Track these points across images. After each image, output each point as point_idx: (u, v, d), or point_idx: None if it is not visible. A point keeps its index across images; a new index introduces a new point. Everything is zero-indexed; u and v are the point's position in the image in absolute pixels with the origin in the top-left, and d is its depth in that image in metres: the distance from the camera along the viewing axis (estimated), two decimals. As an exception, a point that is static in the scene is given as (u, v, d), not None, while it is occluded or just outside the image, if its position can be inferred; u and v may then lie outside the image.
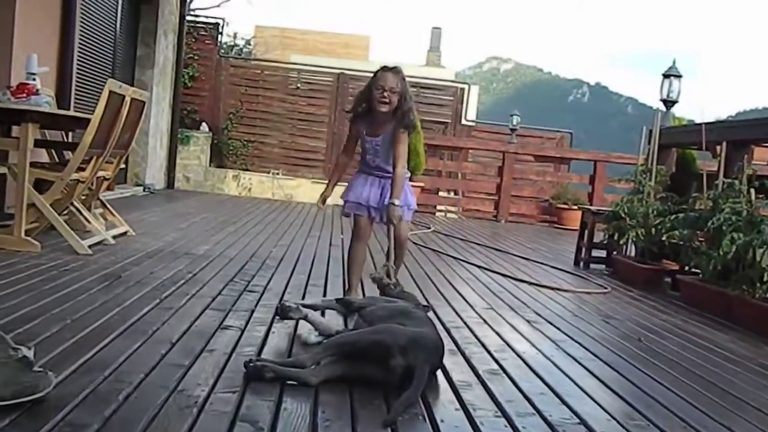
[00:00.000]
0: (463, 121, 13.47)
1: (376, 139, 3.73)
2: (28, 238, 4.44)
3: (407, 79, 3.70)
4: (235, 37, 15.46)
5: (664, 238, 5.76)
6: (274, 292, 3.99)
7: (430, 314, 3.32)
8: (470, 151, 13.18)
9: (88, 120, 4.48)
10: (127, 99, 4.80)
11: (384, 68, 3.68)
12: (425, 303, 3.54)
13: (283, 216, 8.81)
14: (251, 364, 2.40)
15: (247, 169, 12.55)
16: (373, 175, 3.84)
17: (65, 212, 5.05)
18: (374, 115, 3.70)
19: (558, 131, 14.56)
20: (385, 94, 3.60)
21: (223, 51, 13.37)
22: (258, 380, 2.36)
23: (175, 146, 11.56)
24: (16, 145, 4.39)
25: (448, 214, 12.42)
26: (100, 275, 3.90)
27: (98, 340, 2.65)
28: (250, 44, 16.83)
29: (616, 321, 4.25)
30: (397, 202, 3.65)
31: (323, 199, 4.06)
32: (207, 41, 12.62)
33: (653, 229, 5.91)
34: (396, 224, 3.70)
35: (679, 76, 9.08)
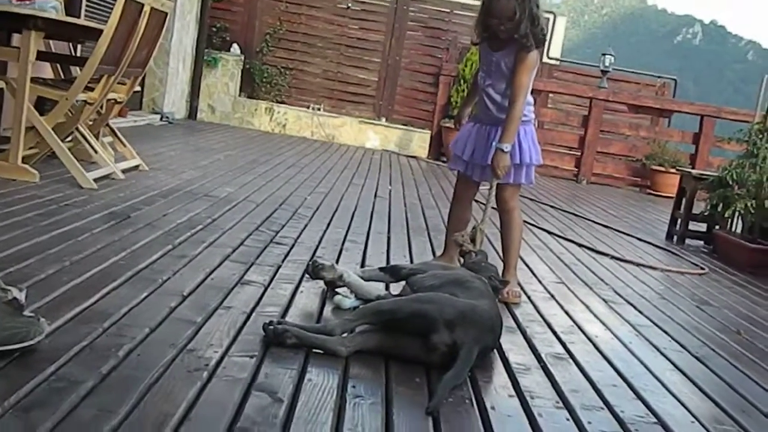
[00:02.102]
0: (545, 59, 13.24)
1: (495, 54, 3.59)
2: (26, 165, 4.55)
3: None
4: (277, -58, 15.37)
5: (779, 213, 5.65)
6: (305, 246, 4.04)
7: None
8: (550, 94, 12.98)
9: (100, 31, 4.54)
10: (146, 9, 4.84)
11: None
12: (503, 278, 3.50)
13: (321, 159, 8.86)
14: (271, 327, 2.45)
15: (283, 102, 12.59)
16: (481, 119, 3.73)
17: (69, 138, 5.16)
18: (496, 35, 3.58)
19: (660, 77, 14.24)
20: (502, 28, 3.47)
21: (262, -42, 13.31)
22: (279, 345, 2.40)
23: (200, 70, 11.63)
24: (16, 56, 4.48)
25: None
26: (106, 213, 3.99)
27: (99, 286, 2.73)
28: (294, -48, 16.73)
29: (711, 308, 4.20)
30: (505, 147, 3.51)
31: (457, 119, 4.02)
32: (244, -55, 12.59)
33: (767, 202, 5.79)
34: (500, 176, 3.56)
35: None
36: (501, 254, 3.88)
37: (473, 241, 3.54)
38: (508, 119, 3.52)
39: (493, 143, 3.58)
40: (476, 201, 4.07)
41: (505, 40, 3.53)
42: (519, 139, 3.61)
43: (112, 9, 4.56)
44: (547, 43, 13.17)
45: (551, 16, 13.45)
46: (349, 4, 12.82)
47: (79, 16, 7.04)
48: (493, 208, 3.71)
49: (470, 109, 3.96)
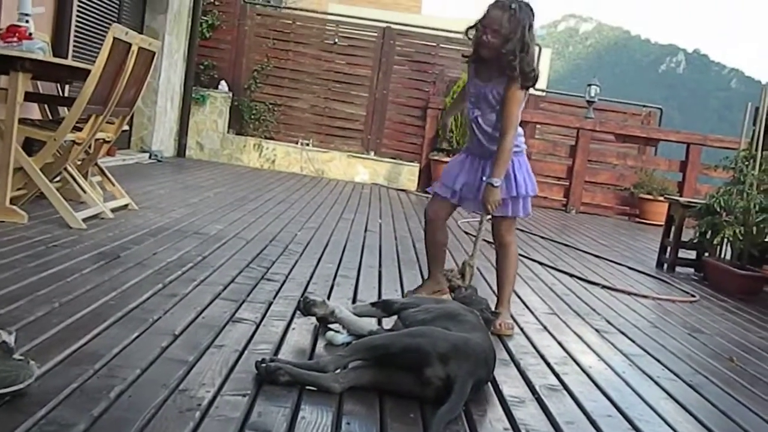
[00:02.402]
0: (531, 90, 13.32)
1: (482, 85, 3.59)
2: (14, 206, 4.53)
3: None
4: (263, -20, 15.53)
5: (767, 239, 5.66)
6: (296, 282, 4.03)
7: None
8: (538, 125, 13.05)
9: (88, 71, 4.55)
10: (134, 48, 4.85)
11: (492, 4, 3.51)
12: (494, 310, 3.50)
13: (311, 194, 8.86)
14: (263, 365, 2.43)
15: (272, 138, 12.62)
16: (472, 151, 3.71)
17: (57, 179, 5.15)
18: (484, 60, 3.59)
19: (645, 106, 14.35)
20: (484, 38, 3.47)
21: (248, -4, 13.42)
22: (272, 383, 2.39)
23: (189, 107, 11.68)
24: (4, 97, 4.48)
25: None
26: (95, 253, 3.97)
27: (90, 327, 2.71)
28: (280, -11, 16.88)
29: (703, 336, 4.20)
30: (495, 181, 3.48)
31: (443, 126, 4.00)
32: (230, -16, 12.67)
33: (755, 228, 5.82)
34: (491, 211, 3.55)
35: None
36: (494, 287, 3.85)
37: (462, 276, 3.53)
38: (499, 153, 3.51)
39: (484, 178, 3.58)
40: (468, 233, 4.07)
41: (493, 63, 3.53)
42: (513, 171, 3.60)
43: (99, 49, 4.58)
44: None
45: (537, 49, 13.55)
46: (336, 40, 12.90)
47: (66, 57, 7.08)
48: (486, 241, 3.70)
49: (453, 116, 3.96)
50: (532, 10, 3.53)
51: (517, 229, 7.80)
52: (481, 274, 4.69)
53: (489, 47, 3.49)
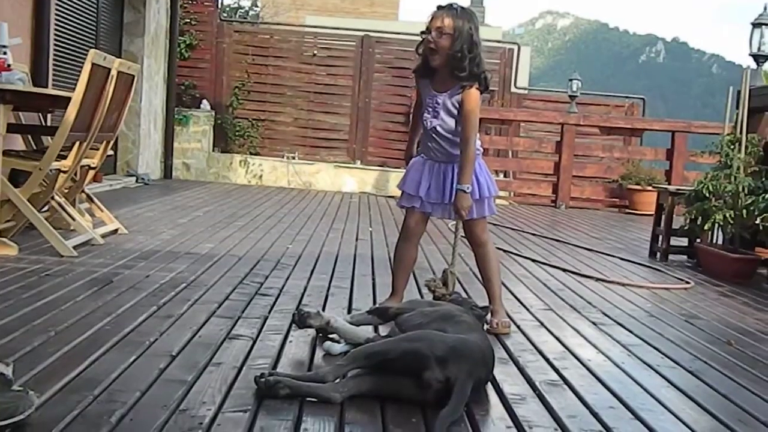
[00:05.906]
0: (513, 89, 13.40)
1: (440, 94, 3.58)
2: (4, 239, 4.53)
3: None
4: (239, -3, 15.59)
5: (758, 222, 5.68)
6: (290, 295, 4.03)
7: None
8: (522, 123, 13.11)
9: (69, 99, 4.55)
10: (113, 72, 4.86)
11: (437, 7, 3.55)
12: (483, 306, 3.51)
13: (300, 207, 8.87)
14: (263, 380, 2.43)
15: (257, 153, 12.64)
16: (432, 157, 3.69)
17: (45, 208, 5.14)
18: (436, 70, 3.59)
19: (628, 97, 14.44)
20: (430, 38, 3.48)
21: (225, 14, 13.48)
22: (272, 397, 2.39)
23: (172, 129, 11.69)
24: (-13, 130, 4.48)
25: (498, 200, 12.39)
26: (88, 280, 3.97)
27: (87, 354, 2.71)
28: (256, 6, 16.95)
29: (700, 321, 4.21)
30: (467, 187, 3.50)
31: (408, 158, 3.99)
32: (206, 3, 12.70)
33: (745, 211, 5.83)
34: (464, 217, 3.56)
35: (773, 26, 8.94)
36: (484, 288, 3.83)
37: (445, 284, 3.55)
38: (464, 160, 3.51)
39: (455, 185, 3.57)
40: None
41: (445, 70, 3.53)
42: (476, 174, 3.60)
43: (79, 76, 4.58)
44: (513, 73, 13.30)
45: (515, 48, 13.60)
46: (315, 52, 12.93)
47: (46, 86, 7.07)
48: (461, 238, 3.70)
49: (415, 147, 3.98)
50: (474, 14, 3.57)
51: (509, 227, 7.85)
52: (474, 274, 4.69)
53: (437, 49, 3.49)
